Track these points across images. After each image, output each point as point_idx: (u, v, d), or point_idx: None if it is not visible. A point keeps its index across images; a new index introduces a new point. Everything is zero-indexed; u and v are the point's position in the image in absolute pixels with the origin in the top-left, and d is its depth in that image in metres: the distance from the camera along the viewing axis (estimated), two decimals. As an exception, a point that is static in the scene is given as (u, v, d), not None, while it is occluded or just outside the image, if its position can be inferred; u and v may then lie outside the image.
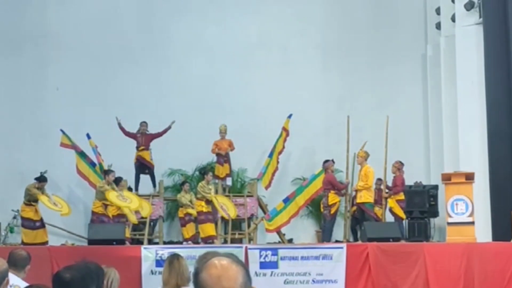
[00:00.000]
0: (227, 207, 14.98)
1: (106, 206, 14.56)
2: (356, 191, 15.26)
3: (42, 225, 14.51)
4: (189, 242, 14.73)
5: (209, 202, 14.89)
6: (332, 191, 15.19)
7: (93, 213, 14.77)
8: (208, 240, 14.74)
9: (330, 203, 15.17)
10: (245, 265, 2.63)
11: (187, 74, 18.45)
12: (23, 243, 14.15)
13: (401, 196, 15.54)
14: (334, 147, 17.54)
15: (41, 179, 14.67)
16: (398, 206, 15.42)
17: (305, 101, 18.35)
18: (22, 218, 14.42)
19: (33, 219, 14.34)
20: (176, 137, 17.57)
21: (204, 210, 14.90)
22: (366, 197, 15.05)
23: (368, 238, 14.00)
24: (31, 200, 14.38)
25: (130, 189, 16.16)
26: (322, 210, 15.55)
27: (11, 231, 15.83)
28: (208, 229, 14.83)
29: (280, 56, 18.84)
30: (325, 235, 15.19)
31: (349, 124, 16.15)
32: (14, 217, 15.79)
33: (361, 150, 15.46)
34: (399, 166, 15.77)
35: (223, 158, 16.66)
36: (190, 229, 14.98)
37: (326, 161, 15.60)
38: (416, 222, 16.44)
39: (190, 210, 15.07)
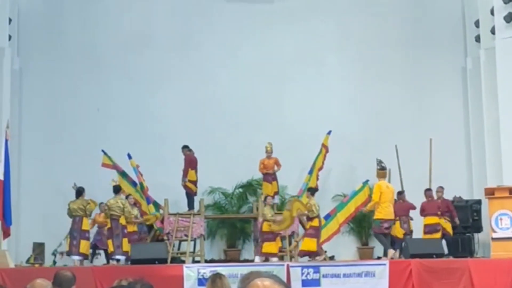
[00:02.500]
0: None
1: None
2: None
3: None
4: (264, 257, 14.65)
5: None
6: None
7: (85, 231, 14.73)
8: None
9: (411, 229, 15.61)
10: (287, 285, 2.63)
11: (224, 92, 18.52)
12: (80, 253, 14.53)
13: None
14: (374, 163, 17.43)
15: (81, 190, 14.93)
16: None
17: (343, 117, 18.29)
18: (83, 230, 14.64)
19: (89, 230, 14.86)
20: (215, 155, 17.66)
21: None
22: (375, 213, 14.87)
23: (411, 254, 13.86)
24: (88, 213, 14.76)
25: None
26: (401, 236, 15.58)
27: None
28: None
29: (317, 71, 18.81)
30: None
31: (396, 150, 16.25)
32: None
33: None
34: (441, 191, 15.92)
35: (270, 176, 16.62)
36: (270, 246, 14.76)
37: (401, 192, 16.04)
38: (460, 237, 16.21)
39: (273, 227, 14.76)
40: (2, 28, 16.30)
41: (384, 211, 14.52)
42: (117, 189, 15.01)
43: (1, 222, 13.64)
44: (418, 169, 17.29)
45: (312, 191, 15.38)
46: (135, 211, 15.19)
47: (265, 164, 16.62)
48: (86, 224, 14.70)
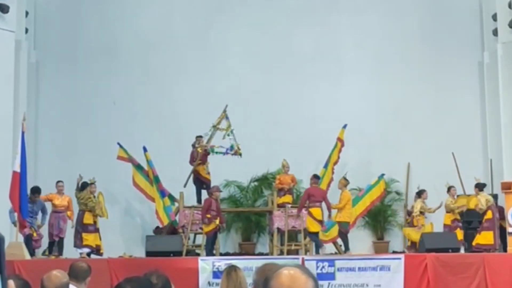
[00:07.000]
0: None
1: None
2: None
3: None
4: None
5: None
6: None
7: (86, 225, 15.02)
8: None
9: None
10: (314, 276, 2.66)
11: (242, 86, 18.49)
12: (84, 245, 14.83)
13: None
14: (389, 157, 17.39)
15: (84, 184, 15.32)
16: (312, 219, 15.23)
17: (360, 112, 18.23)
18: (85, 224, 14.99)
19: (92, 223, 15.10)
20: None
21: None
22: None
23: (427, 248, 13.82)
24: (89, 208, 15.04)
25: None
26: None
27: None
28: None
29: (335, 66, 18.75)
30: None
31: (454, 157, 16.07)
32: None
33: (343, 178, 15.72)
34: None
35: (284, 192, 16.46)
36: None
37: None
38: (475, 232, 16.12)
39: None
40: (19, 21, 16.36)
41: (349, 215, 15.42)
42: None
43: (18, 214, 13.73)
44: (437, 163, 17.27)
45: (480, 186, 15.53)
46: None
47: (281, 180, 16.48)
48: (87, 218, 15.03)
